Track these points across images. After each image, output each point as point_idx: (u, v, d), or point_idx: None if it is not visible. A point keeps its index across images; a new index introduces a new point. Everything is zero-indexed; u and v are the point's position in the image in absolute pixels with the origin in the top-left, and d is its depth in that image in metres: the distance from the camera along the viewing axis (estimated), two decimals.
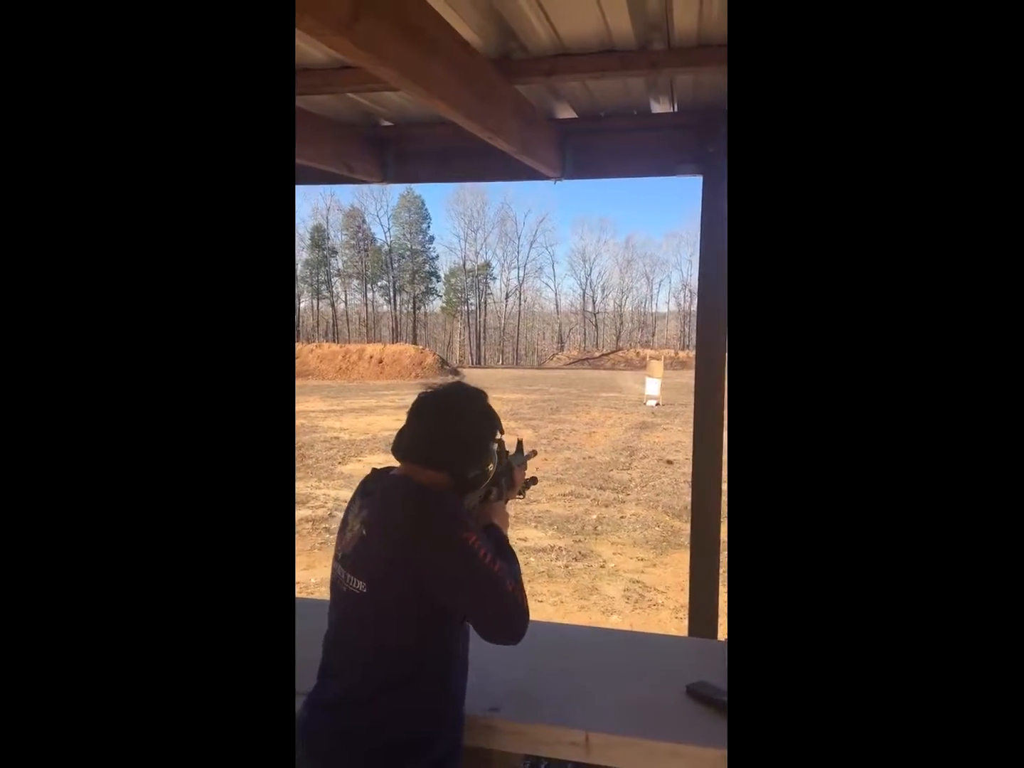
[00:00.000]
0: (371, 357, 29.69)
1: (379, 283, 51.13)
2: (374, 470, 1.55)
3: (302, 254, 49.19)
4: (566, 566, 5.85)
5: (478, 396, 1.54)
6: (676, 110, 2.31)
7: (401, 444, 1.48)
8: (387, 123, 2.52)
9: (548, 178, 2.40)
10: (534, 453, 2.16)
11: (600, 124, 2.36)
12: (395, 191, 50.40)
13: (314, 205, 51.01)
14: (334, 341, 40.29)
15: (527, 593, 1.42)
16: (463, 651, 1.50)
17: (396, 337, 45.86)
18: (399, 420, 1.52)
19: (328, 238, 49.86)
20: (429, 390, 1.53)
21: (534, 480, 1.96)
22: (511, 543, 1.59)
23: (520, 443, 1.96)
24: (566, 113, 2.37)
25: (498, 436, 1.57)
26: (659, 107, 2.31)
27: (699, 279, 2.34)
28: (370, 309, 51.66)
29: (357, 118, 2.45)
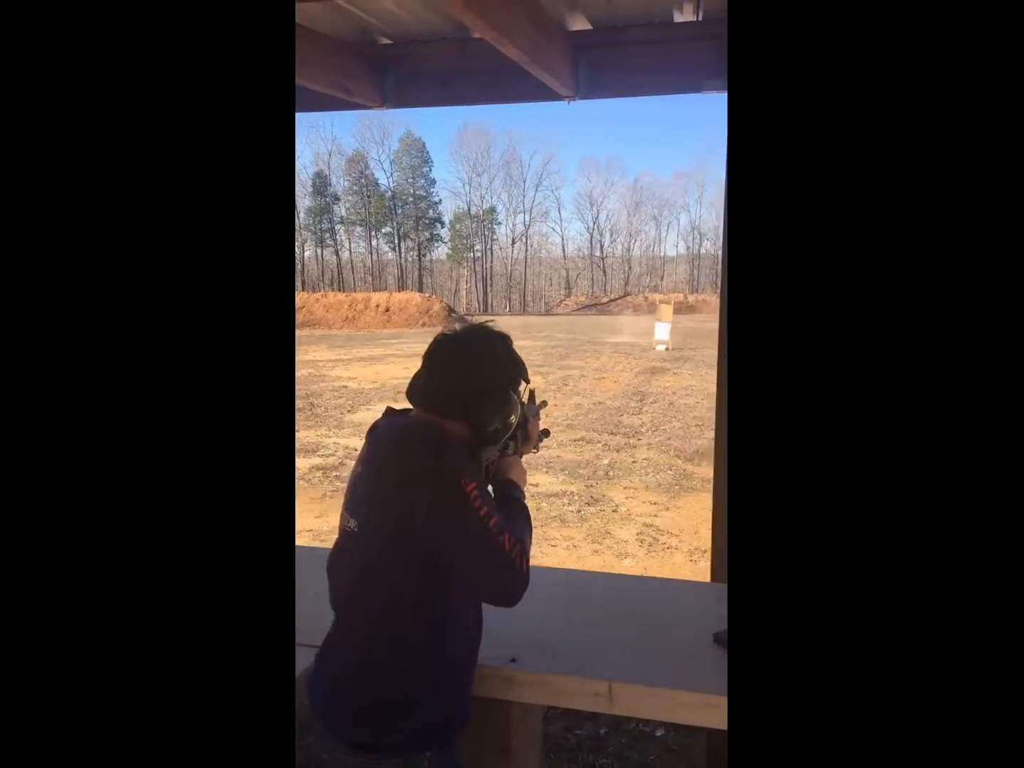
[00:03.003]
0: (377, 306, 29.49)
1: (383, 230, 50.50)
2: (388, 409, 1.43)
3: (304, 201, 48.52)
4: (578, 511, 5.80)
5: (502, 340, 1.40)
6: (701, 19, 2.11)
7: (416, 389, 1.36)
8: (386, 41, 2.33)
9: (561, 98, 2.22)
10: (544, 404, 2.03)
11: (618, 36, 2.17)
12: (395, 134, 49.38)
13: (315, 151, 50.13)
14: (339, 290, 39.99)
15: (530, 553, 1.29)
16: (469, 609, 1.38)
17: (402, 285, 45.47)
18: (407, 368, 1.41)
19: (330, 184, 49.05)
20: (448, 331, 1.40)
21: (546, 432, 1.83)
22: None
23: (532, 393, 1.84)
24: (580, 24, 2.18)
25: (523, 385, 1.44)
26: (682, 16, 2.12)
27: (726, 209, 2.17)
28: (375, 257, 51.14)
29: (354, 35, 2.27)
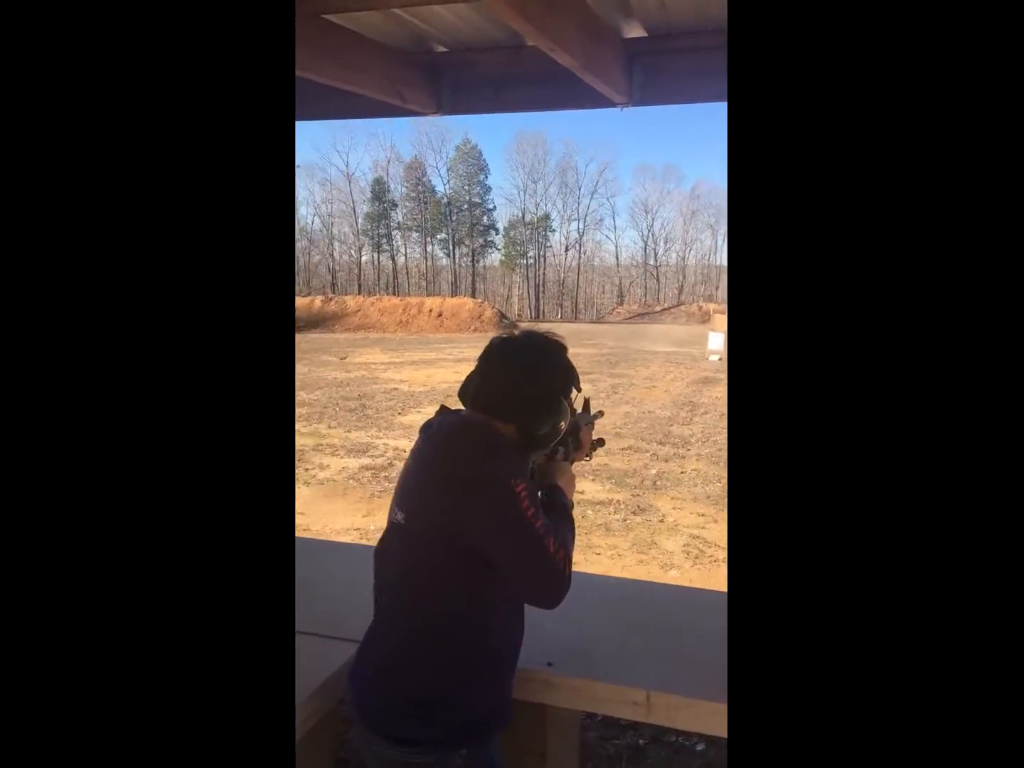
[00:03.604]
0: (430, 310, 29.82)
1: (438, 236, 51.08)
2: (442, 408, 1.46)
3: (363, 207, 49.41)
4: (624, 520, 5.76)
5: (558, 347, 1.43)
6: None
7: (468, 391, 1.39)
8: (441, 48, 2.37)
9: (614, 104, 2.22)
10: (600, 414, 2.05)
11: (672, 43, 2.16)
12: (453, 141, 49.93)
13: (374, 158, 51.08)
14: (394, 294, 40.58)
15: (572, 558, 1.30)
16: (511, 607, 1.39)
17: (455, 291, 45.92)
18: (458, 373, 1.44)
19: (388, 191, 49.85)
20: (505, 335, 1.43)
21: (601, 442, 1.86)
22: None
23: (587, 402, 1.85)
24: (636, 32, 2.18)
25: (574, 393, 1.46)
26: None
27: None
28: (429, 262, 51.75)
29: (409, 43, 2.31)
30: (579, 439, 1.63)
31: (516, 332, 1.45)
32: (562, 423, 1.38)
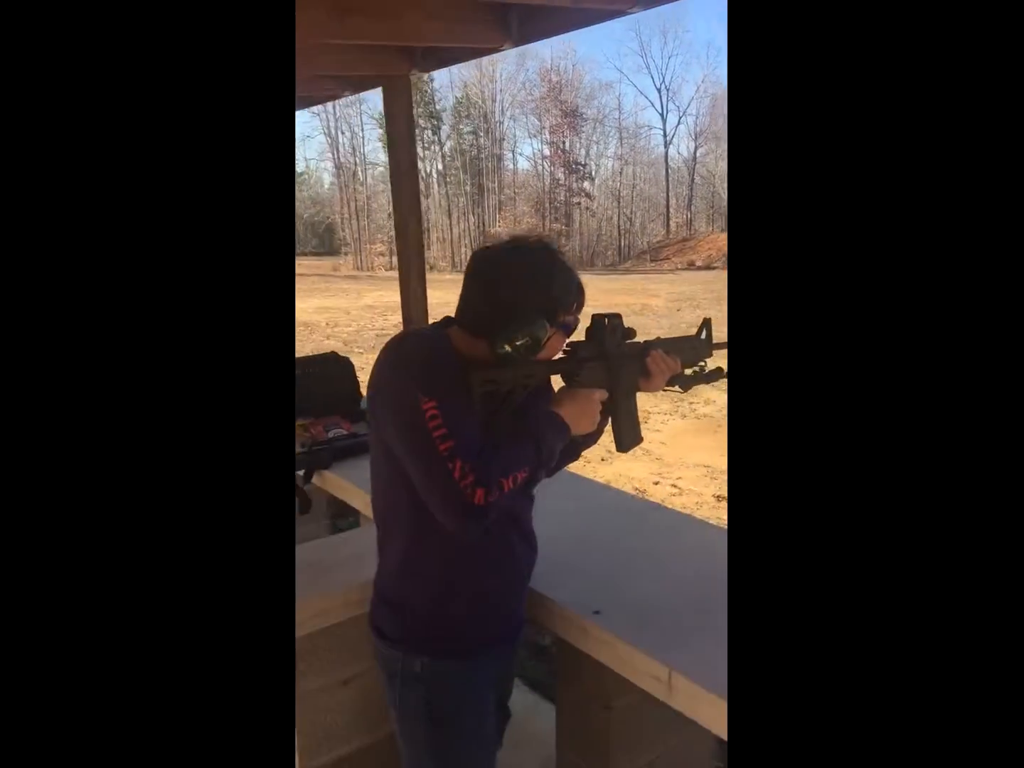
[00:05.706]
0: None
1: None
2: (445, 318, 1.41)
3: None
4: None
5: (544, 257, 1.28)
6: None
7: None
8: None
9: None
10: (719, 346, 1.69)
11: None
12: None
13: None
14: None
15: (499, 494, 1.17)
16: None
17: None
18: None
19: None
20: (490, 243, 1.34)
21: (719, 372, 1.55)
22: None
23: (706, 323, 1.56)
24: None
25: (572, 307, 1.31)
26: None
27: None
28: None
29: None
30: (646, 368, 1.42)
31: (505, 239, 1.32)
32: (525, 341, 1.22)
